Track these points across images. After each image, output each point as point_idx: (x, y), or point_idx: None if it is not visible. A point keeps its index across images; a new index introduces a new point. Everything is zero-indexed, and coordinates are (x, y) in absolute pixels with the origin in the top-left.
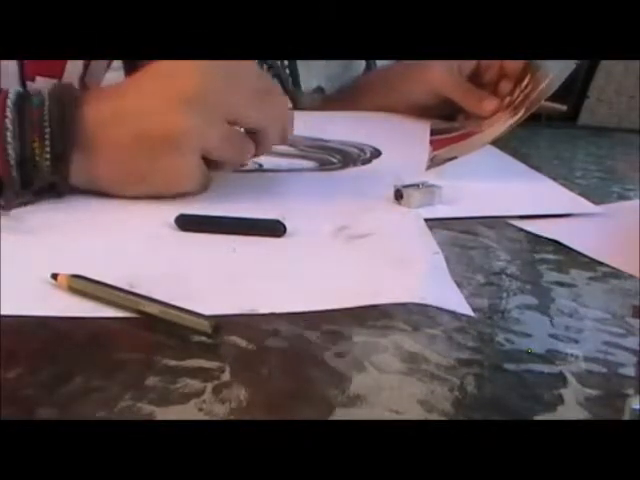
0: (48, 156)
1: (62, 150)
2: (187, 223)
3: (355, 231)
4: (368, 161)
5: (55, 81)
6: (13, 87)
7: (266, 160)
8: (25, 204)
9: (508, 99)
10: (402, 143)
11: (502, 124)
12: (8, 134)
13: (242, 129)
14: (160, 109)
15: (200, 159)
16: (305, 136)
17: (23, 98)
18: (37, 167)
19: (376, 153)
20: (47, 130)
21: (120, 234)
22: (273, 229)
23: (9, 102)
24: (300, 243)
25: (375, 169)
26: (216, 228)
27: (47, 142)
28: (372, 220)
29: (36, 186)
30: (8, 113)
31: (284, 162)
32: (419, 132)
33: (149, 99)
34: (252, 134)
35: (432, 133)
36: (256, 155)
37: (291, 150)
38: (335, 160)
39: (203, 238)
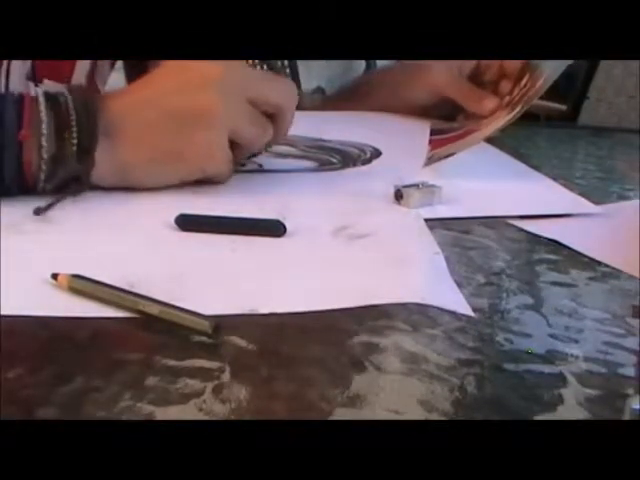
0: (74, 148)
1: (88, 142)
2: (187, 223)
3: (355, 231)
4: (368, 161)
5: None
6: (33, 88)
7: (266, 160)
8: (53, 205)
9: (507, 98)
10: (402, 143)
11: (499, 122)
12: (43, 127)
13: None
14: (188, 89)
15: (227, 140)
16: (305, 136)
17: (50, 95)
18: (64, 159)
19: (376, 153)
20: (73, 123)
21: (120, 234)
22: (273, 229)
23: (41, 98)
24: (300, 243)
25: (375, 169)
26: (216, 228)
27: (74, 134)
28: (372, 220)
29: (60, 178)
30: (42, 108)
31: (284, 162)
32: (419, 132)
33: (176, 83)
34: (269, 117)
35: (432, 133)
36: (273, 140)
37: (291, 150)
38: (335, 160)
39: (203, 238)
